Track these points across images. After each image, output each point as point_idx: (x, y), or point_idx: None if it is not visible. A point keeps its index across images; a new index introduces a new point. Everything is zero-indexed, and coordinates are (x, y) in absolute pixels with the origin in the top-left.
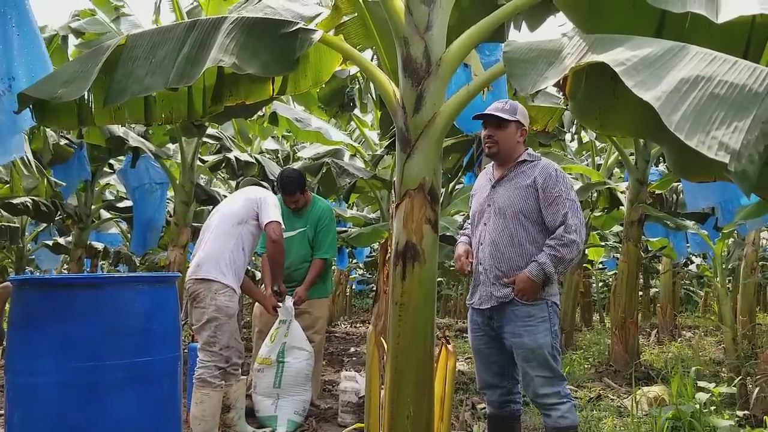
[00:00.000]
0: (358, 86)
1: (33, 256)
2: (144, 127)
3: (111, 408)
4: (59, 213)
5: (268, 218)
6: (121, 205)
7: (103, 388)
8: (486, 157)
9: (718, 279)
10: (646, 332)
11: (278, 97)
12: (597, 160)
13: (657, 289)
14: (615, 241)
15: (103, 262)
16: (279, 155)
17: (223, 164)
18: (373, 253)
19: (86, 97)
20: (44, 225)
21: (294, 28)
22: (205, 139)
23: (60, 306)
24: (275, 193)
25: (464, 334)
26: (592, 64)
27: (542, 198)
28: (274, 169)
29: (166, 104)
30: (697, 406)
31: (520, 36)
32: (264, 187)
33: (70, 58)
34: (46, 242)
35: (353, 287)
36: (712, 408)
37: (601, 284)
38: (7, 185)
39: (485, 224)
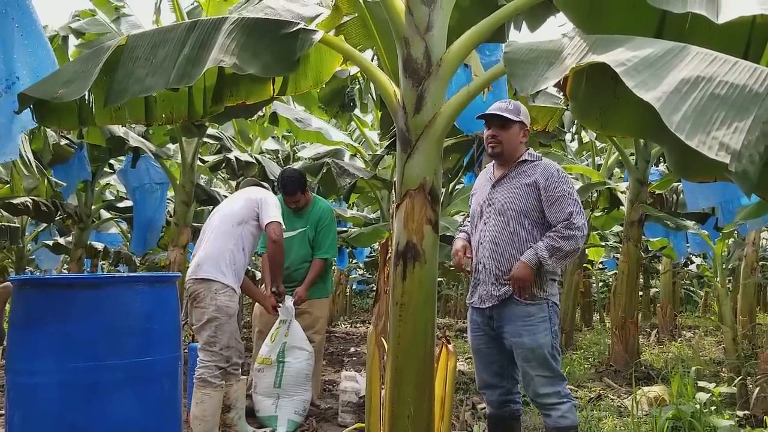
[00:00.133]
0: (358, 86)
1: (33, 256)
2: (144, 128)
3: (111, 408)
4: (59, 213)
5: (268, 218)
6: (121, 205)
7: (104, 388)
8: (486, 157)
9: (718, 279)
10: (647, 332)
11: (279, 98)
12: (597, 160)
13: (657, 289)
14: (615, 241)
15: (103, 262)
16: (279, 155)
17: (224, 164)
18: (374, 253)
19: (87, 97)
20: (44, 225)
21: (294, 29)
22: (205, 140)
23: (60, 306)
24: (276, 193)
25: (464, 334)
26: (592, 64)
27: (545, 197)
28: (274, 170)
29: (167, 104)
30: (698, 406)
31: (520, 36)
32: (264, 187)
33: (71, 59)
34: (47, 242)
35: (353, 287)
36: (713, 408)
37: (601, 284)
38: (8, 185)
39: (485, 223)
